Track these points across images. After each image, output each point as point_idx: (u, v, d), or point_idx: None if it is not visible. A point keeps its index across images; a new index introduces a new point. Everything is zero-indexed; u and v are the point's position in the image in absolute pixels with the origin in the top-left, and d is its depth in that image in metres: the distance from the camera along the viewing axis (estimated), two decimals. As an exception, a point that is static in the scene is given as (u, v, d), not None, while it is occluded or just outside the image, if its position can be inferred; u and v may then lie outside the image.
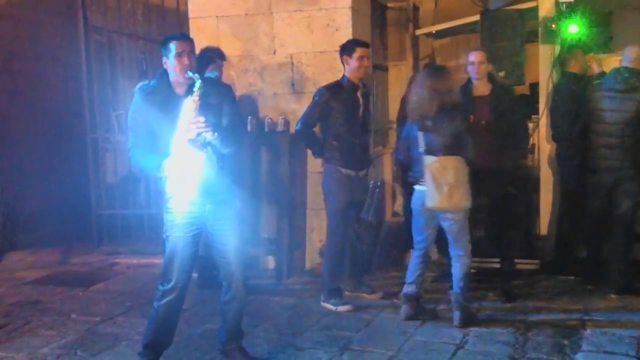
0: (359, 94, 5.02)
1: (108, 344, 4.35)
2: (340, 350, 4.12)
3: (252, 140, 5.65)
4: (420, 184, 4.49)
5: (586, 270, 5.37)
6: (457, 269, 4.52)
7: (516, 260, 5.44)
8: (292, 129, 5.48)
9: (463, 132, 4.44)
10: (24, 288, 5.81)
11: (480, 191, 4.58)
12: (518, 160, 5.34)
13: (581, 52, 5.69)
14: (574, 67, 5.64)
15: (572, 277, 5.45)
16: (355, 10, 5.80)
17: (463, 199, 4.41)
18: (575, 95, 5.43)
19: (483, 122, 4.93)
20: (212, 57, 5.27)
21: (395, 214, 6.98)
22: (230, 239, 3.72)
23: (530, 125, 5.95)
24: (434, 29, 7.28)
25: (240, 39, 6.00)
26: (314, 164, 5.62)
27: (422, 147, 4.45)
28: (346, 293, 5.16)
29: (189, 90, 3.52)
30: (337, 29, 5.75)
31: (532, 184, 6.03)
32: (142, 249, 6.74)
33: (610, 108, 5.05)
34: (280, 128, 5.73)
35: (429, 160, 4.40)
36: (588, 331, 4.32)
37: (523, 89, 6.64)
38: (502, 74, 5.85)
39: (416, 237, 4.66)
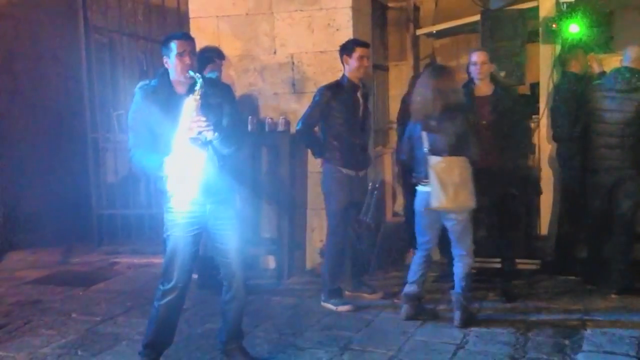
0: (359, 94, 5.01)
1: (108, 343, 4.34)
2: (341, 350, 4.12)
3: (253, 140, 5.65)
4: (424, 185, 4.47)
5: (586, 270, 5.37)
6: (460, 268, 4.51)
7: (517, 261, 5.44)
8: (293, 129, 5.47)
9: (467, 131, 4.42)
10: (24, 288, 5.80)
11: (481, 191, 4.57)
12: (518, 161, 5.34)
13: (582, 52, 5.69)
14: (574, 67, 5.64)
15: (573, 277, 5.45)
16: (355, 10, 5.79)
17: (468, 199, 4.40)
18: (575, 95, 5.42)
19: (484, 122, 4.92)
20: (211, 56, 5.26)
21: (395, 214, 6.98)
22: (231, 239, 3.71)
23: (532, 125, 5.96)
24: (434, 28, 7.28)
25: (241, 38, 6.00)
26: (315, 164, 5.61)
27: (426, 147, 4.43)
28: (346, 293, 5.16)
29: (190, 90, 3.51)
30: (337, 29, 5.74)
31: (533, 184, 6.02)
32: (143, 248, 6.74)
33: (610, 108, 5.05)
34: (280, 128, 5.72)
35: (434, 160, 4.38)
36: (588, 331, 4.32)
37: (524, 89, 6.64)
38: (502, 74, 5.85)
39: (420, 239, 4.64)
